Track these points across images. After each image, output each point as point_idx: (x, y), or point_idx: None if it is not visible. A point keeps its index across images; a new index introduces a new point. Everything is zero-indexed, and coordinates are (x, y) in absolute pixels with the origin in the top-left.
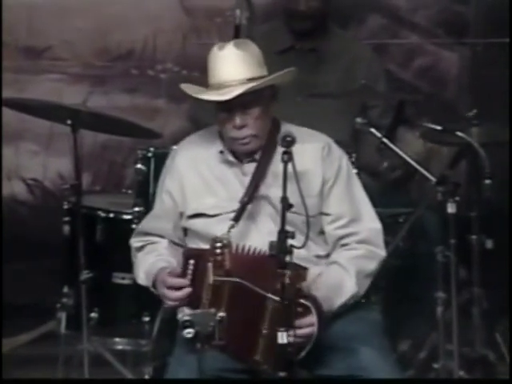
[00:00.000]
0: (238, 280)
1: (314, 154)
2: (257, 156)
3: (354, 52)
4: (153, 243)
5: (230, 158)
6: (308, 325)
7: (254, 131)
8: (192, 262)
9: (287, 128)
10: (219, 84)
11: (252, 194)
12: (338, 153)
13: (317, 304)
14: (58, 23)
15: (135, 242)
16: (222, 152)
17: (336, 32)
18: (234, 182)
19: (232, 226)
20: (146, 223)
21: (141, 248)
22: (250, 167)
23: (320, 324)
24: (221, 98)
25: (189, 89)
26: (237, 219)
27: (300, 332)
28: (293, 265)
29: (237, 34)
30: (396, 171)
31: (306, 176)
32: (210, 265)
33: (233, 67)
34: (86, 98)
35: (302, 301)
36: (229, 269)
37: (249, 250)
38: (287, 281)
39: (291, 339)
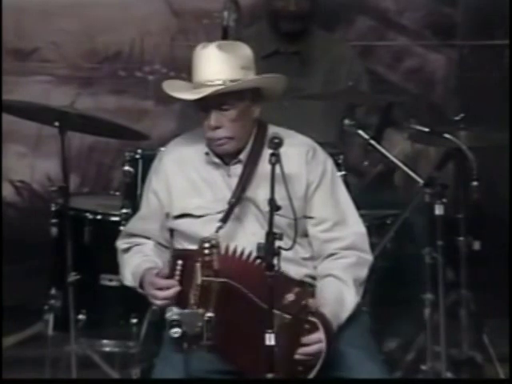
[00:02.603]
0: (226, 280)
1: (299, 158)
2: (242, 157)
3: (335, 53)
4: (139, 245)
5: (215, 159)
6: (316, 341)
7: (229, 133)
8: (180, 262)
9: (274, 130)
10: (199, 83)
11: (239, 196)
12: (322, 156)
13: (324, 320)
14: (45, 25)
15: (121, 243)
16: (207, 153)
17: (318, 34)
18: (219, 183)
19: (220, 227)
20: (132, 225)
21: (127, 250)
22: (236, 169)
23: (328, 340)
24: (187, 97)
25: (170, 85)
26: (225, 220)
27: (308, 350)
28: (299, 282)
29: (225, 35)
30: (377, 167)
31: (291, 179)
32: (198, 265)
33: (210, 67)
34: (73, 100)
35: (308, 317)
36: (217, 269)
37: (236, 251)
38: (293, 297)
39: (300, 357)
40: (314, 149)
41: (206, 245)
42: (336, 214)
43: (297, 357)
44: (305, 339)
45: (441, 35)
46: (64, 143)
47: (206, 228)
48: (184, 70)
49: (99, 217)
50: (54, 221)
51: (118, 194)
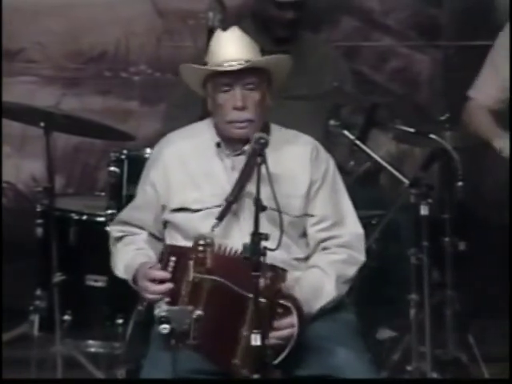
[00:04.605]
0: (217, 278)
1: (303, 156)
2: (246, 148)
3: (320, 54)
4: (132, 234)
5: (226, 151)
6: (288, 326)
7: (253, 116)
8: (173, 258)
9: (277, 130)
10: (220, 62)
11: (238, 194)
12: (325, 156)
13: (297, 305)
14: (30, 25)
15: (114, 230)
16: (219, 144)
17: (304, 34)
18: (221, 176)
19: (216, 225)
20: (127, 213)
21: (120, 238)
22: (240, 162)
23: (300, 325)
24: (227, 68)
25: (186, 67)
26: (221, 218)
27: (279, 334)
28: (271, 266)
29: (210, 36)
30: (363, 165)
31: (294, 177)
32: (191, 262)
33: (234, 47)
34: (58, 101)
35: (282, 301)
36: (210, 267)
37: (231, 250)
38: (267, 282)
39: (271, 341)
40: (318, 148)
41: (201, 242)
42: (336, 213)
43: (269, 341)
44: (277, 323)
45: (426, 36)
46: (49, 144)
47: (202, 222)
48: (169, 70)
49: (85, 217)
50: (39, 221)
51: (103, 194)
